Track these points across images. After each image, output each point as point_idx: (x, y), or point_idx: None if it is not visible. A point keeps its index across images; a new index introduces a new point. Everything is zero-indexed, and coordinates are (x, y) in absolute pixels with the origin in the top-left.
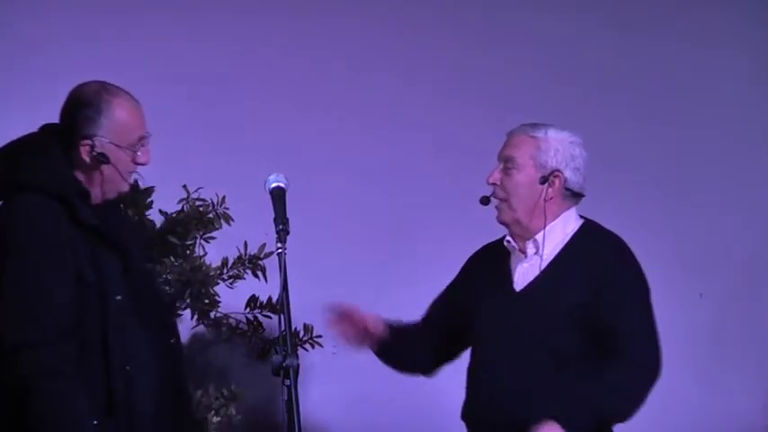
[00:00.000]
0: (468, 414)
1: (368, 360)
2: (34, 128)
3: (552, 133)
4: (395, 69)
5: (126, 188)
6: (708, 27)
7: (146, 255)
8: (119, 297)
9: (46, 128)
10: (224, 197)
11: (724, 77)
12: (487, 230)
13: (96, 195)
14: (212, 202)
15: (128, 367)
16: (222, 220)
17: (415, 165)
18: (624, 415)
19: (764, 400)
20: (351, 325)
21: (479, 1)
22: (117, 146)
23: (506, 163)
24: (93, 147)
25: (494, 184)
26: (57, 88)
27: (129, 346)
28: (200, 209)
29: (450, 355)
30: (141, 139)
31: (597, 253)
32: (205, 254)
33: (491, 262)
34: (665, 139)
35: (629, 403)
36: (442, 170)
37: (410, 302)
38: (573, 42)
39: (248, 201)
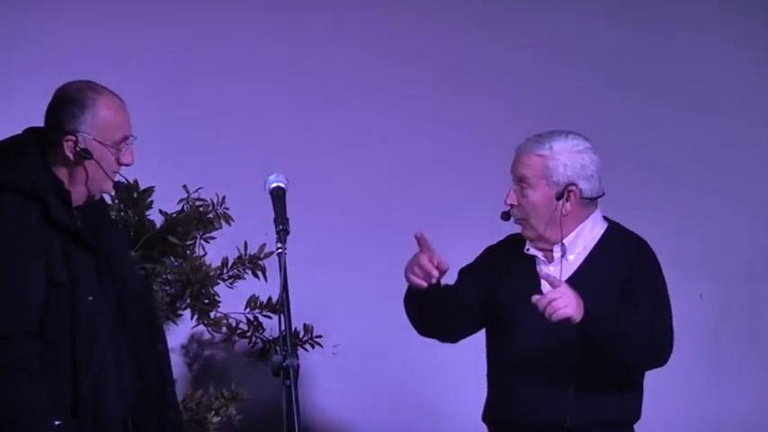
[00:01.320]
0: (491, 414)
1: (368, 360)
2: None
3: (558, 146)
4: (396, 67)
5: (109, 187)
6: (709, 27)
7: (131, 257)
8: (90, 298)
9: (27, 129)
10: (224, 197)
11: (724, 77)
12: (490, 229)
13: (79, 194)
14: (212, 202)
15: (96, 368)
16: (222, 220)
17: (416, 164)
18: (629, 354)
19: (764, 400)
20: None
21: (482, 2)
22: (100, 143)
23: (521, 183)
24: (76, 142)
25: (511, 204)
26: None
27: (100, 347)
28: (201, 209)
29: (470, 331)
30: (125, 138)
31: (623, 257)
32: (205, 254)
33: (515, 262)
34: (666, 139)
35: (640, 348)
36: (444, 169)
37: None
38: (573, 38)
39: (248, 201)
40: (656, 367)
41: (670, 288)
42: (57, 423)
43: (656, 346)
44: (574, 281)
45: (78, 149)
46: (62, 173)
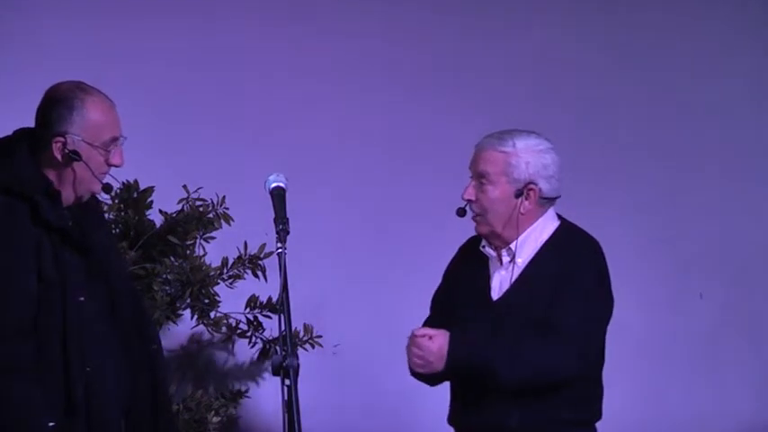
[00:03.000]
0: (453, 418)
1: (368, 360)
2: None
3: (521, 144)
4: (395, 70)
5: (98, 188)
6: (709, 28)
7: (124, 256)
8: (82, 298)
9: (18, 130)
10: (224, 197)
11: (725, 77)
12: None
13: (69, 195)
14: (212, 202)
15: (89, 369)
16: (222, 220)
17: (417, 165)
18: (505, 375)
19: (764, 400)
20: None
21: (479, 4)
22: (89, 144)
23: (480, 179)
24: (65, 144)
25: (469, 200)
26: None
27: (92, 347)
28: (200, 209)
29: None
30: (114, 139)
31: (564, 257)
32: (205, 254)
33: (471, 266)
34: (665, 140)
35: (517, 368)
36: (445, 170)
37: (411, 303)
38: (571, 42)
39: (248, 201)
40: (574, 377)
41: (670, 288)
42: (50, 424)
43: (547, 369)
44: (518, 285)
45: (67, 151)
46: (51, 173)
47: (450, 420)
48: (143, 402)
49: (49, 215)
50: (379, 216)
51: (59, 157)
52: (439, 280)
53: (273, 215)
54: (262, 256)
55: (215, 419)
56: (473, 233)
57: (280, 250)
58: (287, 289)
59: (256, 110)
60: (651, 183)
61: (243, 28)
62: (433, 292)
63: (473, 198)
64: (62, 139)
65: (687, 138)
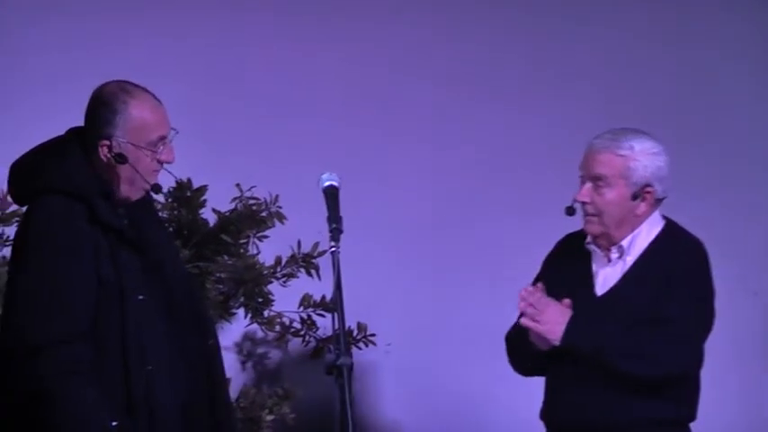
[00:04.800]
0: (547, 414)
1: (421, 359)
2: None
3: (638, 147)
4: (446, 62)
5: (148, 189)
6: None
7: (180, 255)
8: (141, 297)
9: (70, 130)
10: (277, 196)
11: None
12: (542, 229)
13: (121, 195)
14: (265, 201)
15: (149, 367)
16: (275, 219)
17: (470, 164)
18: (622, 367)
19: None
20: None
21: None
22: (135, 146)
23: (596, 181)
24: (110, 147)
25: (583, 202)
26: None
27: (152, 346)
28: (254, 207)
29: None
30: (162, 138)
31: (674, 258)
32: (258, 252)
33: (572, 261)
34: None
35: (636, 362)
36: (500, 169)
37: (465, 302)
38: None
39: (301, 199)
40: (677, 376)
41: (724, 286)
42: (113, 424)
43: (665, 360)
44: (625, 282)
45: (113, 154)
46: (103, 174)
47: (544, 416)
48: (201, 399)
49: (104, 216)
50: (432, 214)
51: (106, 160)
52: (492, 278)
53: (327, 214)
54: (315, 254)
55: (269, 418)
56: (533, 232)
57: (333, 249)
58: (340, 287)
59: (310, 108)
60: (711, 176)
61: (297, 25)
62: (483, 291)
63: (588, 200)
64: (107, 142)
65: (742, 135)
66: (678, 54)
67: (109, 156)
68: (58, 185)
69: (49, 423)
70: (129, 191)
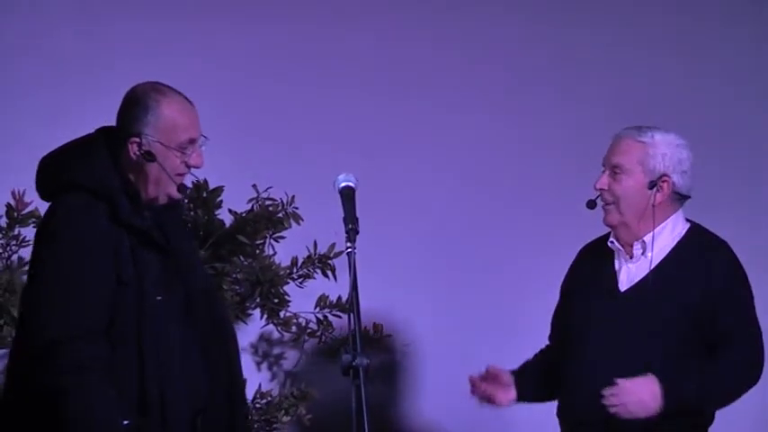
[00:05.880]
0: (563, 412)
1: (437, 360)
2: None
3: (659, 137)
4: (471, 66)
5: (173, 190)
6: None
7: (200, 256)
8: (159, 297)
9: (99, 129)
10: (293, 197)
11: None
12: (561, 229)
13: (147, 195)
14: (282, 202)
15: (165, 368)
16: (292, 220)
17: (488, 167)
18: (717, 404)
19: None
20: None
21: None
22: (164, 145)
23: (614, 168)
24: (140, 145)
25: (601, 189)
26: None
27: (169, 347)
28: (270, 208)
29: None
30: (192, 141)
31: (708, 258)
32: (275, 253)
33: (594, 262)
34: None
35: (727, 394)
36: (517, 174)
37: (479, 303)
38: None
39: (318, 200)
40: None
41: (757, 285)
42: (125, 423)
43: (747, 380)
44: (650, 278)
45: (142, 152)
46: (130, 174)
47: (560, 413)
48: (219, 401)
49: (126, 215)
50: (447, 215)
51: (135, 157)
52: (509, 277)
53: (343, 214)
54: (331, 255)
55: (285, 419)
56: (553, 233)
57: (349, 250)
58: (357, 288)
59: (326, 109)
60: (736, 176)
61: (313, 27)
62: (499, 291)
63: (605, 187)
64: (137, 139)
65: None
66: (683, 58)
67: (138, 153)
68: (81, 182)
69: (62, 418)
70: (154, 192)
